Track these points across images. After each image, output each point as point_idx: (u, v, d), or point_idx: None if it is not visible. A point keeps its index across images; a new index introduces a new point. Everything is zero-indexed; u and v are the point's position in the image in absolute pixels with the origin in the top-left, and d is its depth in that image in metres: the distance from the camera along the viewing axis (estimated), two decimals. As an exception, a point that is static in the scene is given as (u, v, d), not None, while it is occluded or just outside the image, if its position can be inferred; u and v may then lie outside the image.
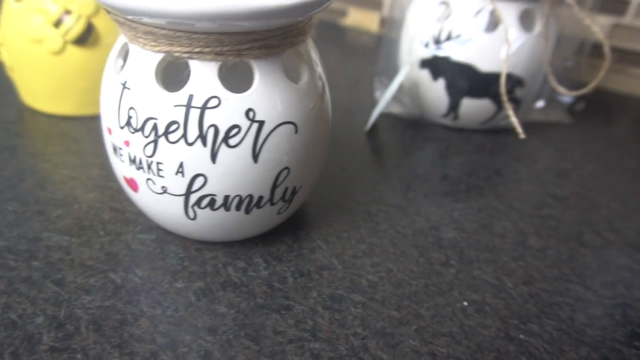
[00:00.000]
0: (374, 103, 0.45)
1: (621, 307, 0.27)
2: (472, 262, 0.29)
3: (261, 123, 0.24)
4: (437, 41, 0.39)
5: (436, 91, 0.41)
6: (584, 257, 0.30)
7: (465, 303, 0.27)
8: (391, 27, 0.44)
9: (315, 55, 0.28)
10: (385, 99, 0.41)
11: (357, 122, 0.43)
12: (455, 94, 0.40)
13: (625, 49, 0.52)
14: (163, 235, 0.30)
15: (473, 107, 0.40)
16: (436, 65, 0.40)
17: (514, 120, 0.32)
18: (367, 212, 0.33)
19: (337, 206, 0.33)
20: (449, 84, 0.40)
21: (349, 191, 0.35)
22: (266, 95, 0.24)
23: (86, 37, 0.37)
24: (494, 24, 0.38)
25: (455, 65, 0.39)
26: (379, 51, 0.47)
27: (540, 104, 0.44)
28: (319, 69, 0.28)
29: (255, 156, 0.24)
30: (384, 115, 0.45)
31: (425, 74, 0.41)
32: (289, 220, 0.31)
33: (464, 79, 0.39)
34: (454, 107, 0.41)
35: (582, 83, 0.40)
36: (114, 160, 0.27)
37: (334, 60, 0.56)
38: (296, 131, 0.25)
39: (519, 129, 0.32)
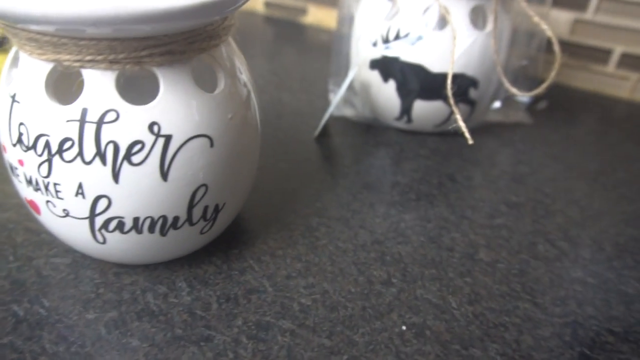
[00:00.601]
0: (327, 106, 0.43)
1: (571, 325, 0.25)
2: (416, 280, 0.27)
3: (168, 138, 0.21)
4: (386, 40, 0.37)
5: (387, 93, 0.39)
6: (536, 271, 0.29)
7: (404, 327, 0.25)
8: (342, 25, 0.42)
9: (238, 60, 0.25)
10: (334, 103, 0.39)
11: (308, 127, 0.41)
12: (406, 96, 0.38)
13: (587, 45, 0.50)
14: (80, 258, 0.27)
15: (426, 110, 0.38)
16: (386, 66, 0.38)
17: (462, 125, 0.30)
18: (307, 226, 0.31)
19: (275, 220, 0.31)
20: (399, 86, 0.38)
21: (291, 203, 0.32)
22: (173, 107, 0.21)
23: (2, 43, 0.34)
24: (443, 21, 0.36)
25: (405, 65, 0.37)
26: (332, 51, 0.44)
27: (497, 104, 0.42)
28: (243, 75, 0.25)
29: (164, 174, 0.22)
30: (336, 119, 0.42)
31: (375, 75, 0.39)
32: (220, 237, 0.28)
33: (414, 80, 0.37)
34: (406, 109, 0.39)
35: (542, 81, 0.38)
36: (14, 180, 0.24)
37: (290, 60, 0.54)
38: (212, 145, 0.23)
39: (467, 135, 0.30)
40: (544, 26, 0.30)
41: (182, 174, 0.22)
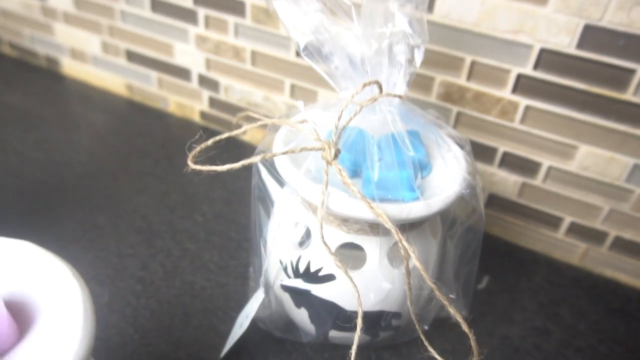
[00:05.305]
0: (247, 299, 0.38)
1: None
2: None
3: None
4: (296, 271, 0.33)
5: (301, 317, 0.34)
6: None
7: None
8: (254, 231, 0.36)
9: None
10: (240, 332, 0.34)
11: (217, 335, 0.37)
12: (320, 326, 0.34)
13: (535, 209, 0.47)
14: None
15: (345, 337, 0.34)
16: (296, 295, 0.33)
17: None
18: None
19: None
20: (312, 316, 0.34)
21: None
22: None
23: None
24: (360, 260, 0.32)
25: (318, 300, 0.32)
26: (250, 232, 0.39)
27: (425, 327, 0.38)
28: None
29: None
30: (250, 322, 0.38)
31: (287, 297, 0.34)
32: None
33: (328, 316, 0.33)
34: (322, 335, 0.35)
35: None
36: None
37: (219, 203, 0.49)
38: None
39: None
40: (451, 310, 0.26)
41: None
